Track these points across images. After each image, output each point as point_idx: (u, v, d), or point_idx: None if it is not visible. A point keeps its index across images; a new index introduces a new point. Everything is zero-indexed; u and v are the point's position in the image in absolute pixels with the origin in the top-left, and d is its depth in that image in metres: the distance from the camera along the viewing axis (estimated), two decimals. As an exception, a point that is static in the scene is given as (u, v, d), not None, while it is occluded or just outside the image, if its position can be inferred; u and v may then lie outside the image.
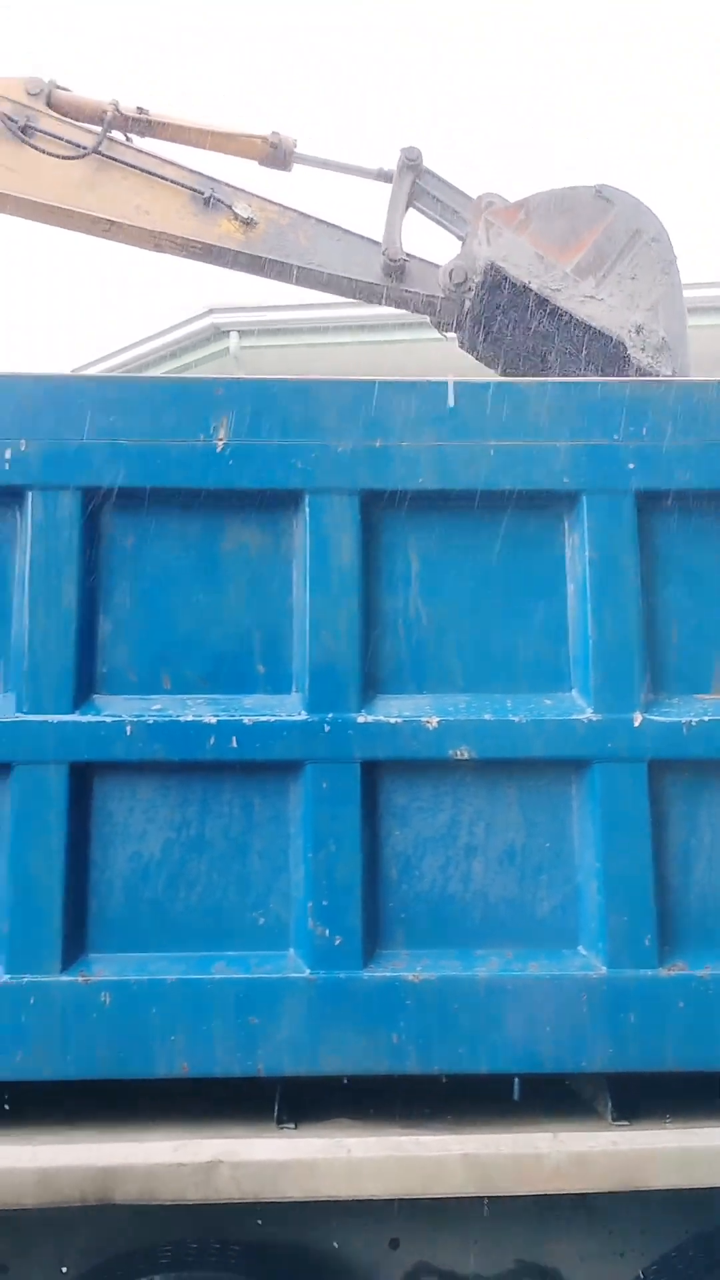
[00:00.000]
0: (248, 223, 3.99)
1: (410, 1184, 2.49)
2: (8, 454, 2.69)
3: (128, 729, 2.63)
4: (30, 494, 2.69)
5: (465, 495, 2.73)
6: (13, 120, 3.86)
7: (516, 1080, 2.73)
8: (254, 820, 2.66)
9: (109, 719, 2.64)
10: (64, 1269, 2.90)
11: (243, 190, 4.04)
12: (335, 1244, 2.84)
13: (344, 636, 2.67)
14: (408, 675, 2.71)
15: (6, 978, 2.52)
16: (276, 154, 4.14)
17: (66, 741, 2.63)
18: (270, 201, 4.05)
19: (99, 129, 3.92)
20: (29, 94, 3.92)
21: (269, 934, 2.62)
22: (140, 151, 4.01)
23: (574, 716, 2.67)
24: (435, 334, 4.32)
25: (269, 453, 2.71)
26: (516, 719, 2.66)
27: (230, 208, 3.98)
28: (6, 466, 2.68)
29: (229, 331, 8.63)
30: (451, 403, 2.75)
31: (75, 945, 2.57)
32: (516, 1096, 2.72)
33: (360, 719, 2.65)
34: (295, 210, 4.05)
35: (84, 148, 3.88)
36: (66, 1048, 2.50)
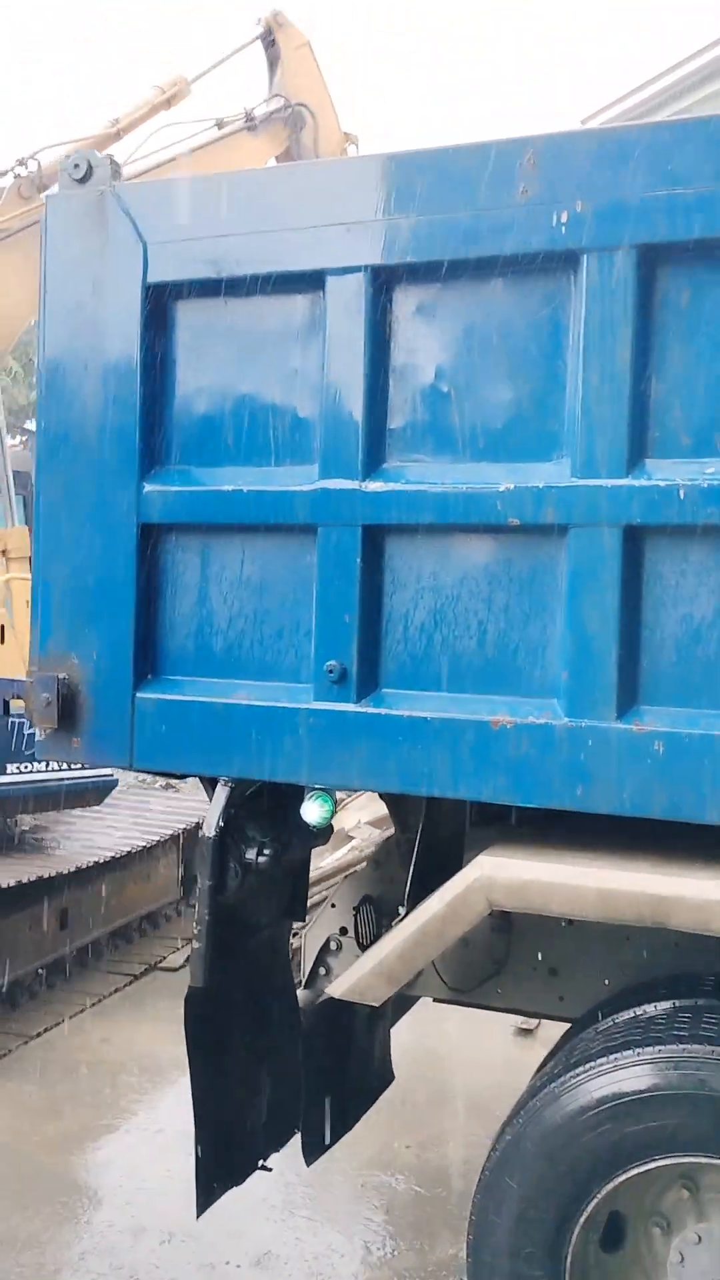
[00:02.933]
0: None
1: None
2: (564, 216, 2.69)
3: (680, 492, 2.65)
4: (585, 256, 2.69)
5: None
6: None
7: None
8: None
9: (661, 483, 2.67)
10: (606, 981, 3.25)
11: None
12: None
13: None
14: None
15: (566, 720, 2.75)
16: None
17: (619, 505, 2.70)
18: None
19: None
20: None
21: None
22: None
23: None
24: None
25: None
26: None
27: None
28: (563, 231, 2.70)
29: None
30: None
31: (628, 696, 2.72)
32: None
33: None
34: None
35: None
36: (621, 787, 2.69)
